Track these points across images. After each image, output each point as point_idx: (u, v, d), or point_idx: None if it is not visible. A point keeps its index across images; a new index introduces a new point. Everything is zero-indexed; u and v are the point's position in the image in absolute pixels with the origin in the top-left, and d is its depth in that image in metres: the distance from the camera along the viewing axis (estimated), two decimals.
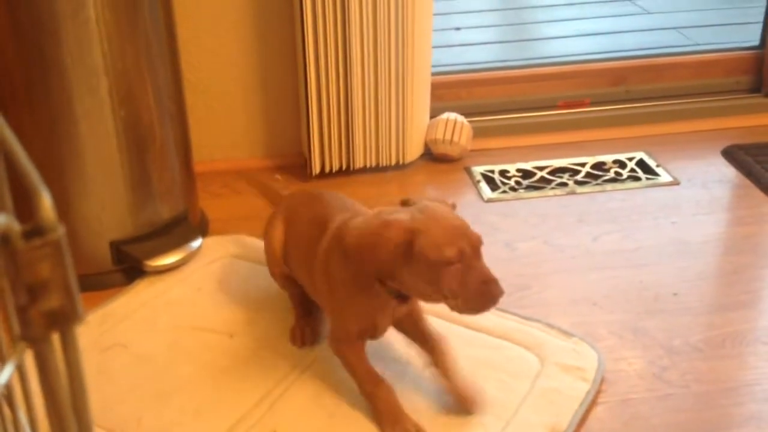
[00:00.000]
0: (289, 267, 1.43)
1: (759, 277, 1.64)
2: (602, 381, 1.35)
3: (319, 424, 1.26)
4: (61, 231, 0.32)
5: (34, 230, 0.31)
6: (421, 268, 1.12)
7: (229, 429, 1.25)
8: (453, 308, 1.16)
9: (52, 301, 0.31)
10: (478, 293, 1.12)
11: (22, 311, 0.31)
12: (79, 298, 0.33)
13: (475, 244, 1.14)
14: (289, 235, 1.42)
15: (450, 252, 1.11)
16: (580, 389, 1.32)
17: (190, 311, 1.53)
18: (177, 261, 1.64)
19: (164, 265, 1.63)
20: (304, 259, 1.37)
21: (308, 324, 1.44)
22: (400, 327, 1.33)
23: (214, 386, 1.35)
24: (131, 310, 1.54)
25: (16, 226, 0.31)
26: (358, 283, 1.21)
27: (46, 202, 0.32)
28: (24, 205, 0.34)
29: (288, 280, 1.46)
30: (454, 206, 1.21)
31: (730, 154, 2.07)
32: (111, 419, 1.27)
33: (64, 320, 0.32)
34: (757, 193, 1.92)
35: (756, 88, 2.31)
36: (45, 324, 0.32)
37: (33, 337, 0.32)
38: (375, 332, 1.27)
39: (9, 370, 0.34)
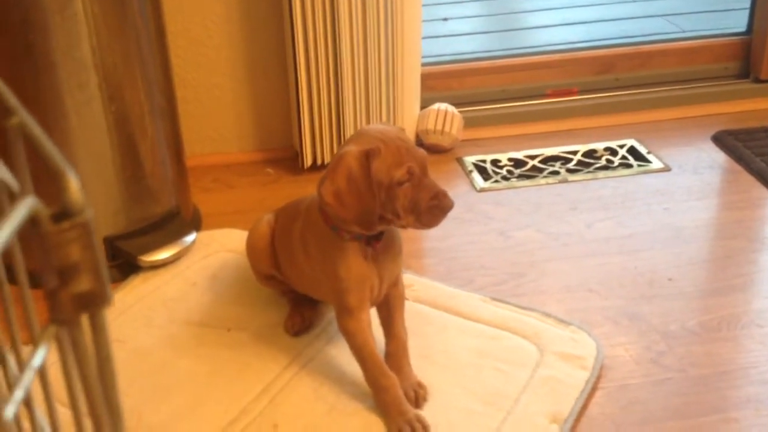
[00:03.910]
0: (282, 273, 1.43)
1: (751, 260, 1.65)
2: (601, 368, 1.36)
3: (319, 417, 1.26)
4: (89, 213, 0.31)
5: (62, 213, 0.30)
6: (377, 190, 1.17)
7: (229, 423, 1.25)
8: (408, 226, 1.21)
9: (82, 283, 0.31)
10: (428, 208, 1.17)
11: (51, 294, 0.31)
12: (108, 281, 0.33)
13: (422, 163, 1.19)
14: (276, 240, 1.42)
15: (400, 172, 1.16)
16: (579, 377, 1.33)
17: (186, 306, 1.53)
18: (171, 256, 1.64)
19: (158, 261, 1.62)
20: (288, 253, 1.37)
21: (300, 312, 1.44)
22: (380, 311, 1.33)
23: (212, 380, 1.34)
24: (126, 305, 1.53)
25: (44, 209, 0.30)
26: (334, 245, 1.24)
27: (73, 184, 0.31)
28: (41, 189, 0.33)
29: (272, 280, 1.46)
30: (402, 130, 1.24)
31: (719, 140, 2.08)
32: None
33: (94, 303, 0.32)
34: (748, 177, 1.93)
35: (744, 74, 2.32)
36: (75, 307, 0.31)
37: (63, 320, 0.31)
38: (371, 294, 1.27)
39: (42, 352, 0.33)
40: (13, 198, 0.35)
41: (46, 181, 0.32)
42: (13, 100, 0.36)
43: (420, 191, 1.17)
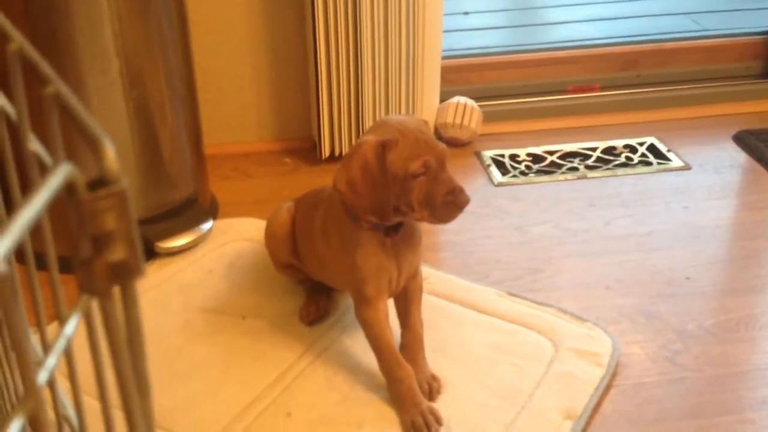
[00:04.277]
0: (301, 262, 1.43)
1: None
2: (616, 365, 1.35)
3: (333, 406, 1.26)
4: (125, 182, 0.31)
5: (98, 181, 0.30)
6: (392, 182, 1.16)
7: (243, 410, 1.25)
8: (422, 219, 1.20)
9: (117, 253, 0.31)
10: (443, 203, 1.16)
11: (84, 264, 0.31)
12: (141, 252, 0.33)
13: (440, 157, 1.17)
14: (296, 229, 1.42)
15: (415, 165, 1.15)
16: (594, 374, 1.32)
17: (202, 293, 1.53)
18: (188, 243, 1.64)
19: (175, 247, 1.63)
20: (308, 241, 1.37)
21: (316, 301, 1.44)
22: (397, 303, 1.33)
23: (227, 368, 1.34)
24: (142, 291, 1.54)
25: (80, 176, 0.30)
26: (354, 235, 1.24)
27: (109, 152, 0.31)
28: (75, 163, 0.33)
29: (290, 268, 1.46)
30: (425, 123, 1.23)
31: (741, 139, 2.06)
32: None
33: (127, 273, 0.32)
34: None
35: (766, 74, 2.30)
36: (108, 277, 0.31)
37: (96, 291, 0.31)
38: (390, 283, 1.27)
39: (74, 321, 0.33)
40: (44, 170, 0.35)
41: (76, 156, 0.32)
42: (48, 69, 0.36)
43: (436, 185, 1.16)
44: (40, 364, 0.33)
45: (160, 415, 1.23)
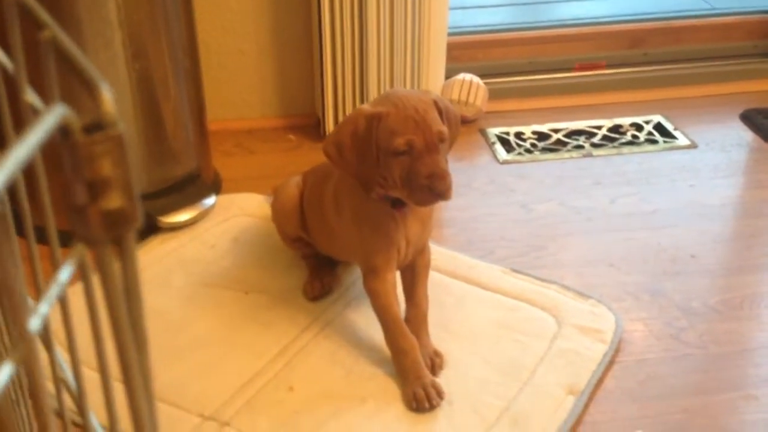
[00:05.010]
0: (308, 233, 1.43)
1: None
2: (619, 342, 1.35)
3: (336, 381, 1.26)
4: (122, 127, 0.30)
5: (94, 125, 0.29)
6: (378, 154, 1.16)
7: (244, 384, 1.25)
8: (402, 198, 1.19)
9: (113, 200, 0.30)
10: (420, 186, 1.14)
11: (79, 211, 0.30)
12: (139, 201, 0.32)
13: (429, 138, 1.14)
14: (305, 202, 1.42)
15: (397, 141, 1.13)
16: (597, 350, 1.32)
17: (204, 268, 1.53)
18: (190, 218, 1.64)
19: (178, 222, 1.62)
20: (318, 213, 1.37)
21: (320, 278, 1.44)
22: (404, 277, 1.33)
23: (229, 342, 1.34)
24: (144, 266, 1.53)
25: (76, 118, 0.29)
26: (365, 205, 1.24)
27: (106, 95, 0.30)
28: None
29: (298, 242, 1.46)
30: (429, 103, 1.17)
31: (748, 118, 2.04)
32: None
33: (124, 223, 0.31)
34: None
35: None
36: (104, 225, 0.30)
37: (91, 239, 0.30)
38: (398, 255, 1.26)
39: (68, 270, 0.32)
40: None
41: (74, 107, 0.31)
42: (44, 14, 0.35)
43: (418, 167, 1.13)
44: (33, 312, 0.32)
45: (161, 389, 1.23)
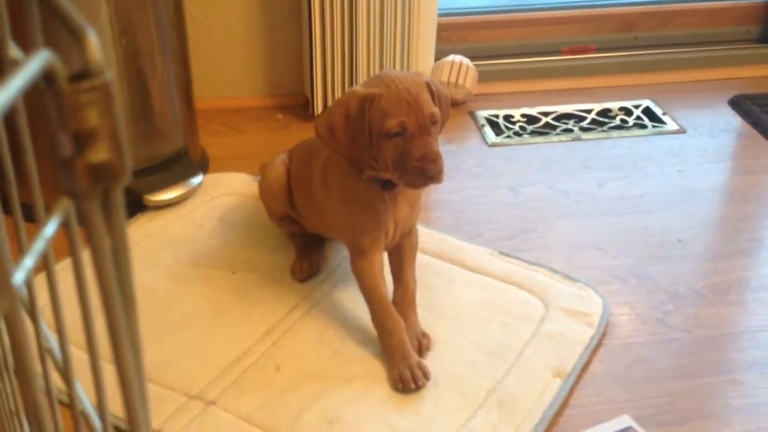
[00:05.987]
0: (295, 211, 1.42)
1: (764, 225, 1.63)
2: (606, 325, 1.35)
3: (322, 360, 1.26)
4: (109, 75, 0.29)
5: (80, 74, 0.28)
6: (371, 136, 1.15)
7: (231, 363, 1.25)
8: (394, 180, 1.18)
9: (100, 153, 0.29)
10: (412, 168, 1.13)
11: (64, 163, 0.29)
12: (128, 154, 0.31)
13: (422, 120, 1.13)
14: (292, 179, 1.41)
15: (390, 123, 1.12)
16: (585, 334, 1.32)
17: (191, 247, 1.52)
18: (177, 197, 1.62)
19: (164, 201, 1.61)
20: (305, 191, 1.36)
21: (308, 257, 1.43)
22: (392, 259, 1.32)
23: (216, 321, 1.33)
24: (131, 244, 1.51)
25: (61, 65, 0.28)
26: (354, 184, 1.22)
27: (92, 42, 0.29)
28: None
29: (286, 220, 1.45)
30: (422, 85, 1.16)
31: (737, 104, 2.04)
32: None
33: (111, 176, 0.30)
34: (763, 142, 1.90)
35: (765, 38, 2.28)
36: (90, 178, 0.29)
37: (77, 193, 0.29)
38: (386, 236, 1.26)
39: (53, 224, 0.31)
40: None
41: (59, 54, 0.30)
42: None
43: (411, 149, 1.12)
44: (16, 265, 0.31)
45: (148, 368, 1.21)
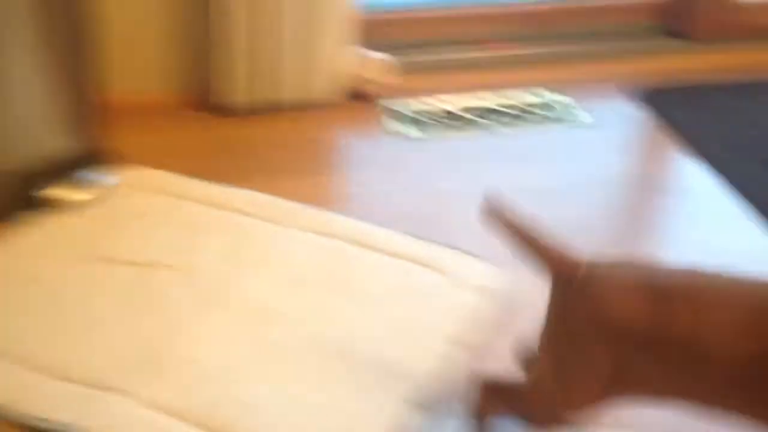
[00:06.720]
0: None
1: (666, 211, 1.70)
2: (510, 300, 1.39)
3: (242, 355, 1.27)
4: None
5: None
6: None
7: (145, 360, 1.24)
8: None
9: None
10: None
11: None
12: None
13: None
14: None
15: None
16: (489, 310, 1.37)
17: (102, 245, 1.50)
18: (87, 195, 1.61)
19: (76, 200, 1.59)
20: None
21: None
22: None
23: (127, 320, 1.33)
24: (42, 245, 1.50)
25: None
26: None
27: None
28: None
29: None
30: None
31: (643, 97, 2.11)
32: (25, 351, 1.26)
33: None
34: (669, 134, 1.97)
35: (671, 32, 2.35)
36: None
37: None
38: None
39: None
40: None
41: None
42: None
43: None
44: None
45: (57, 367, 1.22)
